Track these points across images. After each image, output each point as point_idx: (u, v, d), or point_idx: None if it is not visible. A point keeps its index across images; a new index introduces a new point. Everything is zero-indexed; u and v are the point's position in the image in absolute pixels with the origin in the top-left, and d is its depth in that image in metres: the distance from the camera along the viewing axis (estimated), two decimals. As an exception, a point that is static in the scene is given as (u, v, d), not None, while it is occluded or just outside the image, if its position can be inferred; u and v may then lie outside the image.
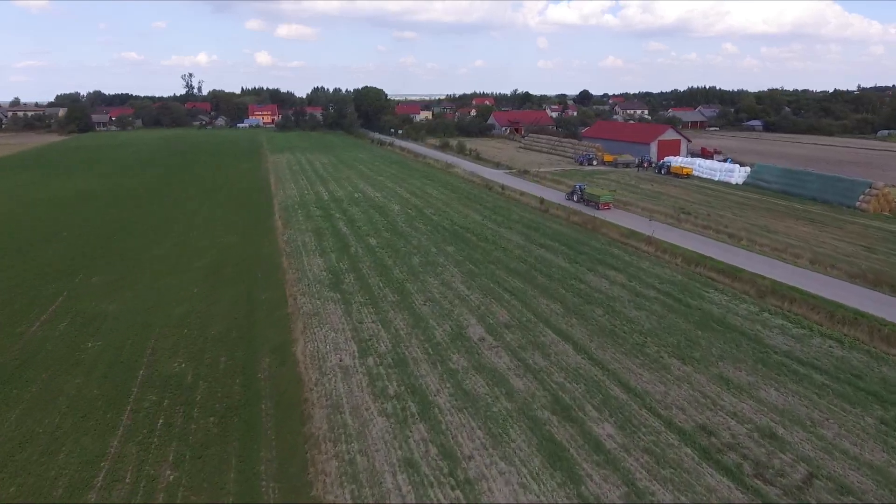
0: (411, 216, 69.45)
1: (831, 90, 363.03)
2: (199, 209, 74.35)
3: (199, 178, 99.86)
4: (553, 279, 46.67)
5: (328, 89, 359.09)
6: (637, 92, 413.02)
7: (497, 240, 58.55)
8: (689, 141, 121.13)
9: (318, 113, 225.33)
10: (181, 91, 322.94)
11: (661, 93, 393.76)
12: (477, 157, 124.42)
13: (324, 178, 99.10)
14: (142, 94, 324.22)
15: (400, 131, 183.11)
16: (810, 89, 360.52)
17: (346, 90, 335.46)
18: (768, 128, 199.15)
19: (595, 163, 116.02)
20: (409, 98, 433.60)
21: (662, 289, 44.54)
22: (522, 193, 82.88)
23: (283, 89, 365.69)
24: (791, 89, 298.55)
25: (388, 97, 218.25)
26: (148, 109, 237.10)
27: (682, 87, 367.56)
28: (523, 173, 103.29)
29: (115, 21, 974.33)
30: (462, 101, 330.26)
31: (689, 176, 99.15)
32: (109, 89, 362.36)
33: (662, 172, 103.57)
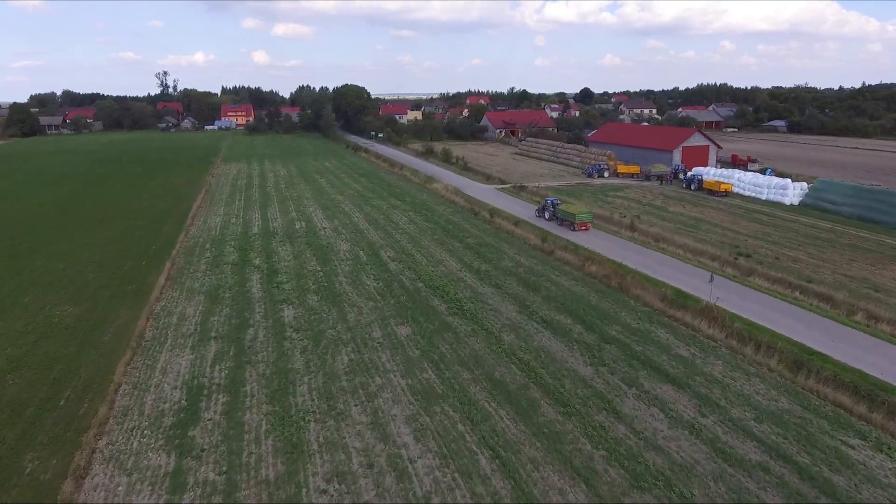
0: (361, 263, 49.24)
1: (836, 87, 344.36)
2: (62, 251, 53.96)
3: (104, 200, 79.33)
4: (568, 412, 26.69)
5: (314, 88, 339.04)
6: (639, 90, 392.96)
7: (478, 312, 38.41)
8: (718, 147, 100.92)
9: (296, 114, 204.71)
10: (156, 90, 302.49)
11: (664, 91, 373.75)
12: (464, 168, 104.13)
13: (267, 199, 78.74)
14: (120, 95, 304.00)
15: (380, 134, 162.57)
16: (815, 87, 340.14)
17: (326, 88, 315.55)
18: (793, 128, 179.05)
19: (607, 174, 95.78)
20: (406, 97, 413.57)
21: (765, 438, 24.69)
22: (518, 223, 62.60)
23: (277, 89, 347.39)
24: (806, 86, 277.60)
25: (372, 96, 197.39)
26: (108, 111, 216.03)
27: (682, 86, 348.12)
28: (519, 189, 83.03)
29: (112, 21, 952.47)
30: (455, 99, 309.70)
31: (727, 193, 78.93)
32: (105, 90, 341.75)
33: (693, 188, 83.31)
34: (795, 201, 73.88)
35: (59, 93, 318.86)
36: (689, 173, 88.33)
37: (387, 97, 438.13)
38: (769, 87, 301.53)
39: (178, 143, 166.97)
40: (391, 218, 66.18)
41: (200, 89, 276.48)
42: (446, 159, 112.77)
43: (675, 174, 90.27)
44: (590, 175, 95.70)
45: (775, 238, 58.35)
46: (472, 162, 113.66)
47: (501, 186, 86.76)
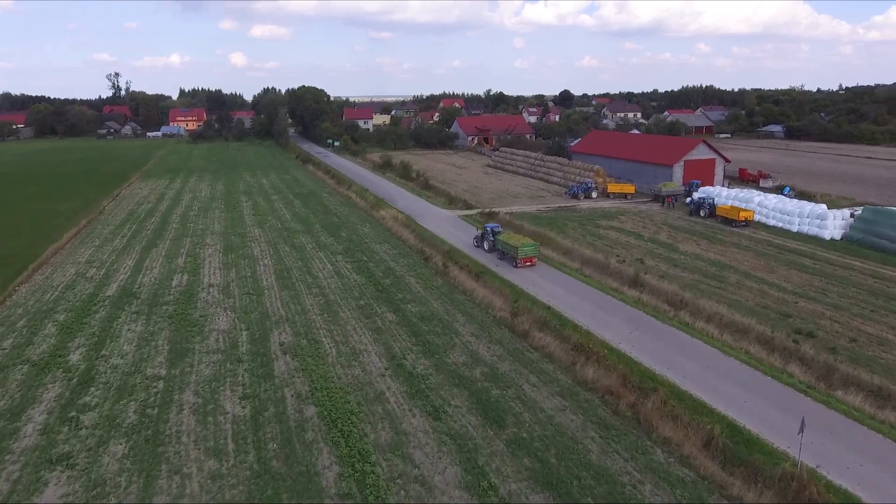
0: (235, 360, 32.10)
1: (814, 90, 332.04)
2: None
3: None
4: None
5: (280, 90, 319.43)
6: (619, 92, 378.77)
7: (390, 485, 21.30)
8: (726, 161, 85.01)
9: (248, 119, 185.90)
10: (108, 93, 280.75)
11: (645, 93, 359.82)
12: (424, 186, 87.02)
13: (161, 234, 61.00)
14: (70, 98, 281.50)
15: (336, 143, 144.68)
16: (810, 89, 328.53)
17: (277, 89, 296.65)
18: (791, 133, 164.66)
19: (595, 194, 79.30)
20: (387, 99, 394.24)
21: None
22: (480, 274, 45.70)
23: (241, 91, 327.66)
24: (802, 88, 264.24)
25: (331, 98, 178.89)
26: (42, 116, 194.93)
27: (661, 88, 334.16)
28: (487, 217, 66.07)
29: (85, 21, 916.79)
30: (428, 102, 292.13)
31: (747, 223, 62.78)
32: (81, 93, 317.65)
33: (702, 214, 67.12)
34: (836, 235, 57.94)
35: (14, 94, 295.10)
36: (697, 195, 72.16)
37: (366, 99, 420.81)
38: (749, 88, 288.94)
39: (106, 152, 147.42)
40: (311, 267, 48.79)
41: (164, 93, 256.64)
42: (405, 174, 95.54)
43: (689, 193, 74.06)
44: (574, 195, 79.11)
45: (834, 297, 42.07)
46: (435, 178, 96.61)
47: (465, 213, 69.75)
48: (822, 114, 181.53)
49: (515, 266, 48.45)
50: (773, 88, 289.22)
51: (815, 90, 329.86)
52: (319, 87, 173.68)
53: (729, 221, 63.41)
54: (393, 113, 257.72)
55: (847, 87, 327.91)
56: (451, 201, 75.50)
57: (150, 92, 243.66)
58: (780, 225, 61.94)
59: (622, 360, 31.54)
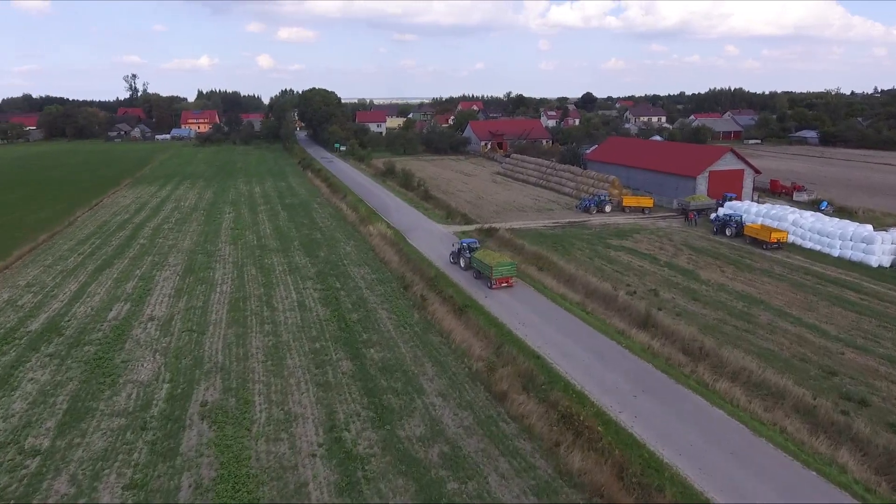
0: (139, 427, 26.16)
1: (848, 93, 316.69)
2: None
3: None
4: None
5: (298, 92, 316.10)
6: (644, 95, 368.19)
7: None
8: (756, 172, 77.04)
9: (258, 121, 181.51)
10: (125, 94, 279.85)
11: (671, 96, 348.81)
12: (425, 196, 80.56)
13: (122, 252, 55.52)
14: (87, 99, 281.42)
15: (342, 147, 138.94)
16: (844, 91, 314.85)
17: (290, 90, 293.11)
18: (825, 140, 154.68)
19: (609, 208, 72.06)
20: (409, 102, 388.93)
21: None
22: (464, 308, 39.11)
23: (260, 94, 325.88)
24: (838, 91, 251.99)
25: (341, 100, 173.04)
26: (52, 118, 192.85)
27: (688, 90, 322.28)
28: (486, 234, 59.43)
29: (114, 23, 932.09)
30: (445, 105, 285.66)
31: (779, 245, 55.14)
32: (104, 95, 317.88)
33: (728, 234, 59.63)
34: (885, 261, 50.11)
35: (36, 96, 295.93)
36: (723, 211, 64.65)
37: (387, 102, 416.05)
38: (780, 91, 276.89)
39: (108, 156, 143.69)
40: (273, 296, 42.67)
41: (181, 95, 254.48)
42: (406, 183, 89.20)
43: (720, 207, 66.75)
44: (586, 209, 71.94)
45: (889, 346, 34.63)
46: (439, 186, 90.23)
47: (463, 229, 63.13)
48: (860, 118, 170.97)
49: (490, 287, 43.65)
50: (804, 91, 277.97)
51: (849, 93, 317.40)
52: (331, 90, 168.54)
53: (759, 243, 55.85)
54: (410, 116, 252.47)
55: (883, 90, 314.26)
56: (450, 215, 68.92)
57: (169, 94, 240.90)
58: (819, 248, 54.21)
59: (620, 440, 24.72)
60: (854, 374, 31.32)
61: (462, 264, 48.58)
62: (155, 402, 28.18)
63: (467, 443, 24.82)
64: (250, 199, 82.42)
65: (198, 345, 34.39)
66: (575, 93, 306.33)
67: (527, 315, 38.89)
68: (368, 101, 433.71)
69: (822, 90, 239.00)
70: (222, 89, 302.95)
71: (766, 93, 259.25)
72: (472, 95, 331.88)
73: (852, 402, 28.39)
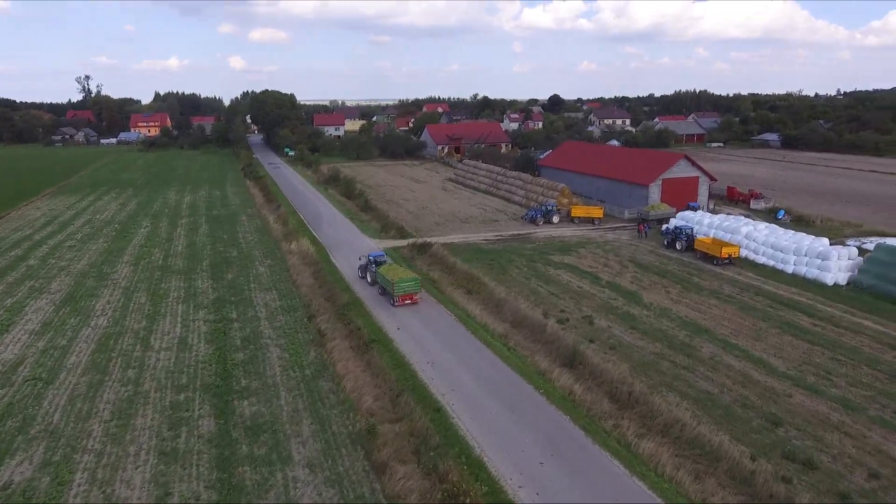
0: None
1: (812, 94, 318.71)
2: None
3: None
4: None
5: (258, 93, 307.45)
6: (613, 97, 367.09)
7: None
8: (712, 180, 73.31)
9: (209, 125, 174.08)
10: (78, 97, 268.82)
11: (640, 97, 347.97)
12: (364, 206, 75.33)
13: None
14: (39, 102, 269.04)
15: (292, 152, 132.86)
16: (808, 94, 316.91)
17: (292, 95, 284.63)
18: (788, 143, 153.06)
19: (557, 219, 67.64)
20: (384, 103, 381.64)
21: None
22: (369, 346, 34.05)
23: (221, 95, 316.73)
24: (800, 93, 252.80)
25: (301, 102, 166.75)
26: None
27: (658, 92, 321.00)
28: (419, 250, 54.49)
29: (83, 25, 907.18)
30: (412, 107, 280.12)
31: (730, 260, 51.11)
32: (65, 98, 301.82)
33: (679, 247, 55.54)
34: (842, 279, 46.34)
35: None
36: (673, 222, 60.66)
37: (364, 103, 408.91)
38: (746, 94, 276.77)
39: (42, 162, 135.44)
40: (154, 330, 37.14)
41: (134, 97, 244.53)
42: (348, 192, 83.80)
43: (644, 220, 62.96)
44: (532, 220, 67.43)
45: (842, 385, 30.45)
46: (384, 195, 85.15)
47: (396, 244, 58.03)
48: (822, 121, 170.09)
49: (393, 304, 40.31)
50: (770, 93, 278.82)
51: (813, 95, 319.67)
52: (296, 91, 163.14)
53: (709, 258, 51.80)
54: (374, 118, 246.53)
55: (846, 92, 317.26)
56: (384, 227, 63.85)
57: (131, 96, 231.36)
58: (772, 264, 50.31)
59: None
60: (801, 423, 27.00)
61: (369, 279, 45.43)
62: (-53, 484, 22.59)
63: (322, 538, 19.78)
64: (175, 210, 76.29)
65: (36, 399, 28.76)
66: (547, 95, 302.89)
67: (439, 353, 33.94)
68: (341, 102, 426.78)
69: (786, 92, 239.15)
70: (185, 91, 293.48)
71: (731, 95, 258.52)
72: (439, 97, 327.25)
73: (797, 464, 24.01)
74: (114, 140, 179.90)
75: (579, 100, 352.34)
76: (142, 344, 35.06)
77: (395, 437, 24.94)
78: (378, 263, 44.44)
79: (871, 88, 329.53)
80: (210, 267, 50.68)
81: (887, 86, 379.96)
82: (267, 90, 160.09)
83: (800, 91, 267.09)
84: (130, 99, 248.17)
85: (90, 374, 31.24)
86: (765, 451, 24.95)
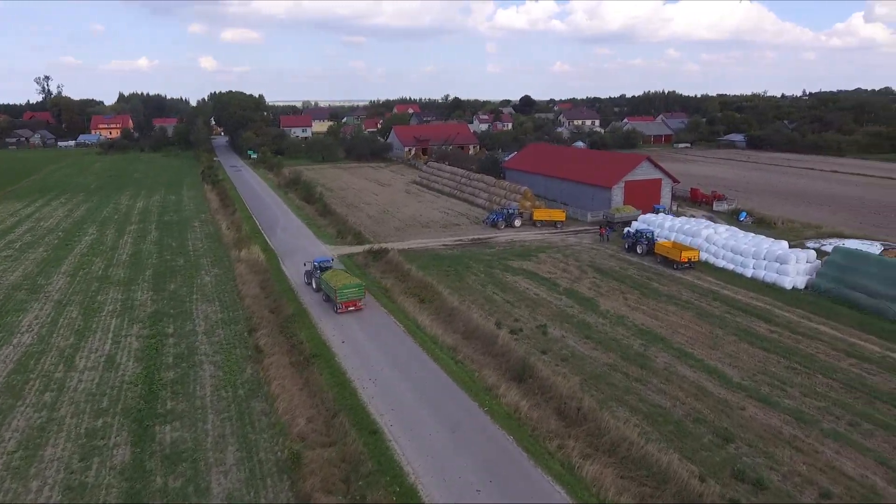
0: None
1: (779, 95, 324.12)
2: None
3: None
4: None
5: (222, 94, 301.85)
6: (585, 97, 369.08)
7: None
8: (675, 182, 72.84)
9: (171, 127, 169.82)
10: (38, 97, 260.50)
11: (611, 98, 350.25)
12: (323, 211, 73.33)
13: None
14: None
15: (255, 155, 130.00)
16: (774, 94, 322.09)
17: (258, 96, 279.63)
18: (753, 143, 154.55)
19: (519, 223, 66.45)
20: (358, 104, 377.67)
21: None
22: (310, 361, 32.30)
23: (188, 96, 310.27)
24: (765, 94, 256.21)
25: (264, 103, 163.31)
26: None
27: (629, 93, 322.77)
28: (376, 256, 52.79)
29: (48, 23, 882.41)
30: (383, 108, 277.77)
31: (690, 264, 50.34)
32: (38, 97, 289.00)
33: (639, 251, 54.67)
34: (800, 283, 45.82)
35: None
36: (635, 225, 59.87)
37: (337, 104, 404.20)
38: (714, 94, 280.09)
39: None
40: (81, 348, 34.88)
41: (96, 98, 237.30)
42: (307, 196, 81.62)
43: (609, 223, 62.30)
44: (493, 224, 66.13)
45: (796, 396, 29.58)
46: (346, 198, 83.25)
47: (352, 250, 56.20)
48: (787, 121, 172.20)
49: (336, 311, 39.15)
50: (738, 94, 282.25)
51: (779, 95, 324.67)
52: (267, 93, 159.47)
53: (669, 262, 50.94)
54: (344, 120, 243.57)
55: (811, 93, 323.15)
56: (340, 233, 61.99)
57: (95, 97, 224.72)
58: (732, 267, 49.65)
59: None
60: (753, 439, 25.94)
61: (314, 286, 43.91)
62: None
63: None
64: (126, 216, 73.39)
65: (-63, 428, 26.43)
66: (520, 96, 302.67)
67: (383, 368, 32.29)
68: (314, 103, 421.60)
69: (751, 93, 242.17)
70: (151, 92, 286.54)
71: (699, 96, 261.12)
72: (410, 98, 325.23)
73: (746, 484, 22.89)
74: (72, 143, 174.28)
75: (552, 100, 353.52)
76: (65, 363, 32.79)
77: (323, 465, 23.24)
78: (323, 269, 43.31)
79: (835, 89, 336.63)
80: (153, 277, 48.31)
81: (851, 87, 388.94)
82: (231, 91, 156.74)
83: (765, 92, 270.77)
84: (92, 100, 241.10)
85: (1, 399, 28.95)
86: (715, 469, 23.83)
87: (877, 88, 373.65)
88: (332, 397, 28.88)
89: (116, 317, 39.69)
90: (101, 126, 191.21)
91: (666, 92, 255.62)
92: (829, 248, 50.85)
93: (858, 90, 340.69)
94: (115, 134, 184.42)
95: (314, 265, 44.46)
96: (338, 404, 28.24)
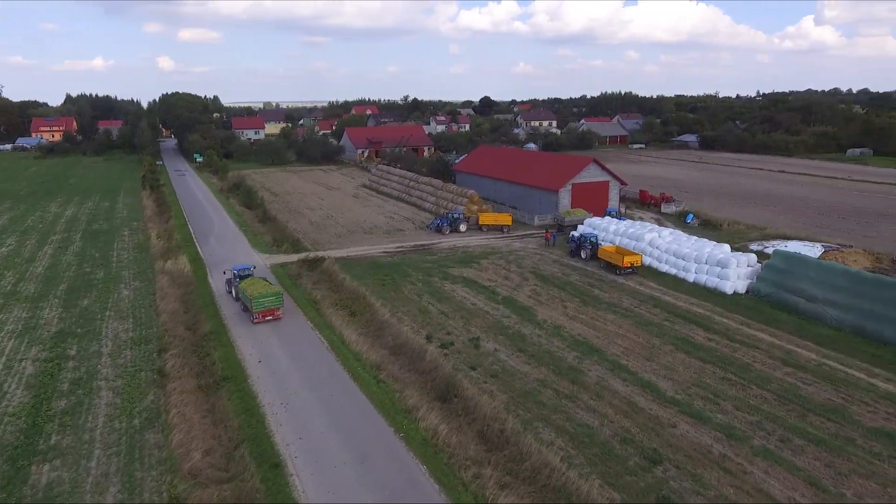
0: None
1: (733, 96, 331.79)
2: None
3: None
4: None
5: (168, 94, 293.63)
6: (545, 98, 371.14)
7: None
8: (622, 184, 72.13)
9: (116, 129, 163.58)
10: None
11: (571, 99, 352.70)
12: (263, 217, 70.53)
13: None
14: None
15: (201, 158, 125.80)
16: (728, 95, 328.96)
17: (216, 98, 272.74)
18: (705, 143, 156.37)
19: (464, 227, 64.79)
20: (319, 105, 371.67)
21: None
22: (218, 385, 29.92)
23: (139, 97, 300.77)
24: (717, 95, 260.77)
25: (211, 104, 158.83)
26: None
27: (590, 94, 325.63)
28: (311, 265, 50.43)
29: None
30: (342, 109, 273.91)
31: (633, 269, 49.31)
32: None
33: (584, 256, 53.51)
34: (741, 287, 45.13)
35: None
36: (580, 229, 58.78)
37: (300, 105, 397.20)
38: (672, 95, 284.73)
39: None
40: (-34, 374, 31.68)
41: (39, 99, 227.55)
42: (248, 201, 78.56)
43: (559, 227, 61.32)
44: (438, 229, 64.32)
45: (729, 410, 28.45)
46: (290, 203, 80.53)
47: (286, 259, 53.67)
48: (738, 122, 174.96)
49: (253, 322, 37.48)
50: (693, 95, 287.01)
51: (734, 96, 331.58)
52: (207, 94, 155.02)
53: (613, 267, 49.83)
54: (301, 122, 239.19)
55: (764, 94, 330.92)
56: (277, 241, 59.35)
57: (43, 99, 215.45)
58: (674, 272, 48.82)
59: None
60: (682, 459, 24.60)
61: (234, 295, 42.11)
62: None
63: None
64: (52, 224, 69.29)
65: None
66: (483, 96, 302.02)
67: (298, 391, 30.08)
68: (275, 104, 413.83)
69: (704, 94, 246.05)
70: (100, 93, 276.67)
71: (655, 96, 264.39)
72: (369, 99, 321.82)
73: (673, 521, 21.45)
74: (8, 146, 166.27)
75: (513, 101, 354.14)
76: (-56, 394, 29.68)
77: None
78: (243, 277, 41.14)
79: (787, 90, 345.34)
80: (66, 292, 45.04)
81: (802, 88, 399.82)
82: (178, 92, 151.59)
83: (717, 92, 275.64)
84: (35, 101, 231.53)
85: None
86: (639, 496, 22.39)
87: (826, 89, 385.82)
88: (237, 425, 26.62)
89: (15, 338, 36.53)
90: (42, 129, 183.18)
91: (623, 93, 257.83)
92: (771, 251, 50.44)
93: (809, 91, 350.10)
94: (58, 137, 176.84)
95: (233, 273, 42.41)
96: (242, 433, 26.01)
